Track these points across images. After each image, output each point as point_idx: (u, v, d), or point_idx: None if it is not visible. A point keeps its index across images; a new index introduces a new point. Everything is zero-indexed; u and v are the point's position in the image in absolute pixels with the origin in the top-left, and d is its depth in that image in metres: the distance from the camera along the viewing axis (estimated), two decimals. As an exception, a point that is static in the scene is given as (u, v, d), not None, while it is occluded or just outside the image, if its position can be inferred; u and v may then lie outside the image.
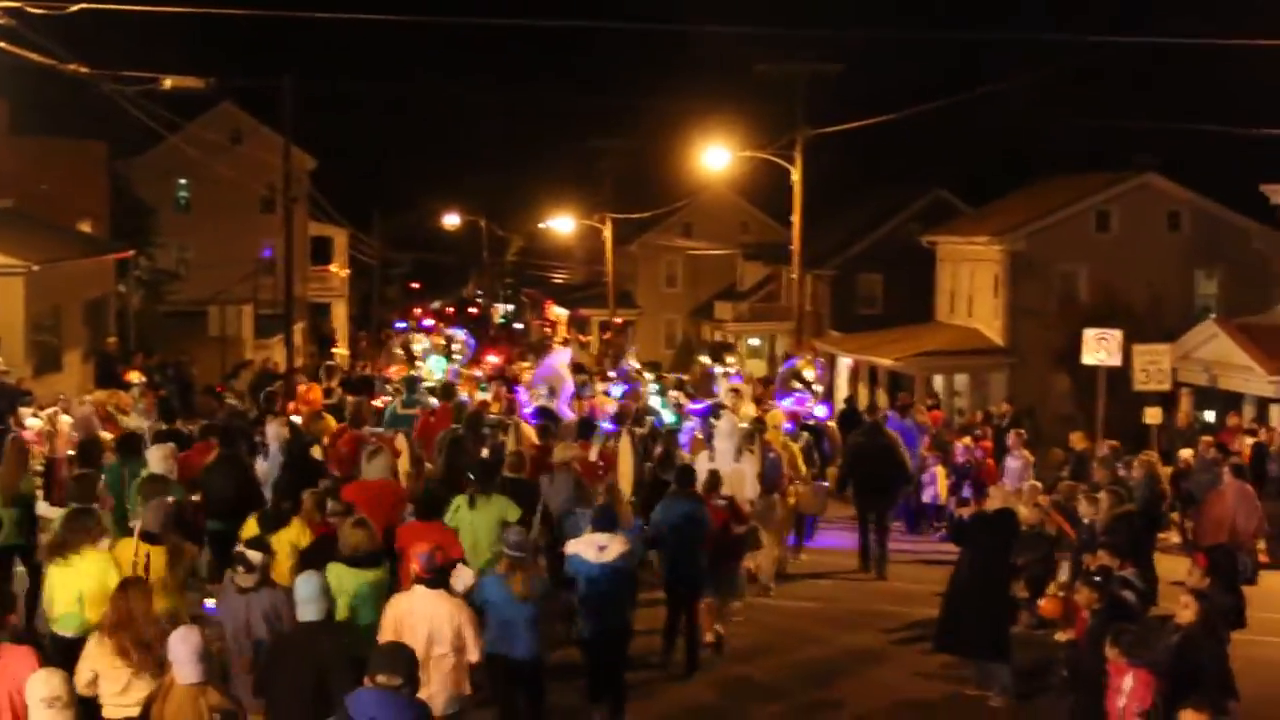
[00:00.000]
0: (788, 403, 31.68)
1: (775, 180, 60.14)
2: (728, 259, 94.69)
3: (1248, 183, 51.15)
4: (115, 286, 51.78)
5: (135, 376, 35.48)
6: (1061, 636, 18.59)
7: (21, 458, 20.38)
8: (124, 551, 15.31)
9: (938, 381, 60.55)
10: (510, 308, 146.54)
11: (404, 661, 10.38)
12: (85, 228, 52.49)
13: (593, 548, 17.03)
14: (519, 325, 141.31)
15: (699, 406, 30.81)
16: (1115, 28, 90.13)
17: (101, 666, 11.95)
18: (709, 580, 20.57)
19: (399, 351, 38.51)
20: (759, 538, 23.58)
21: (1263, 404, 40.42)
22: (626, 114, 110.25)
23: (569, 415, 29.58)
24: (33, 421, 27.20)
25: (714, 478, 22.09)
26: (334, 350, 73.78)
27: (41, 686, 10.66)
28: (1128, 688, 13.61)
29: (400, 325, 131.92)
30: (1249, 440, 33.83)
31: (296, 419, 27.70)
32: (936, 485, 34.29)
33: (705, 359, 35.97)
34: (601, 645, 17.17)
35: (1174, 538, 33.26)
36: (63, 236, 46.98)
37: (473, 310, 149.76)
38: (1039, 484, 27.99)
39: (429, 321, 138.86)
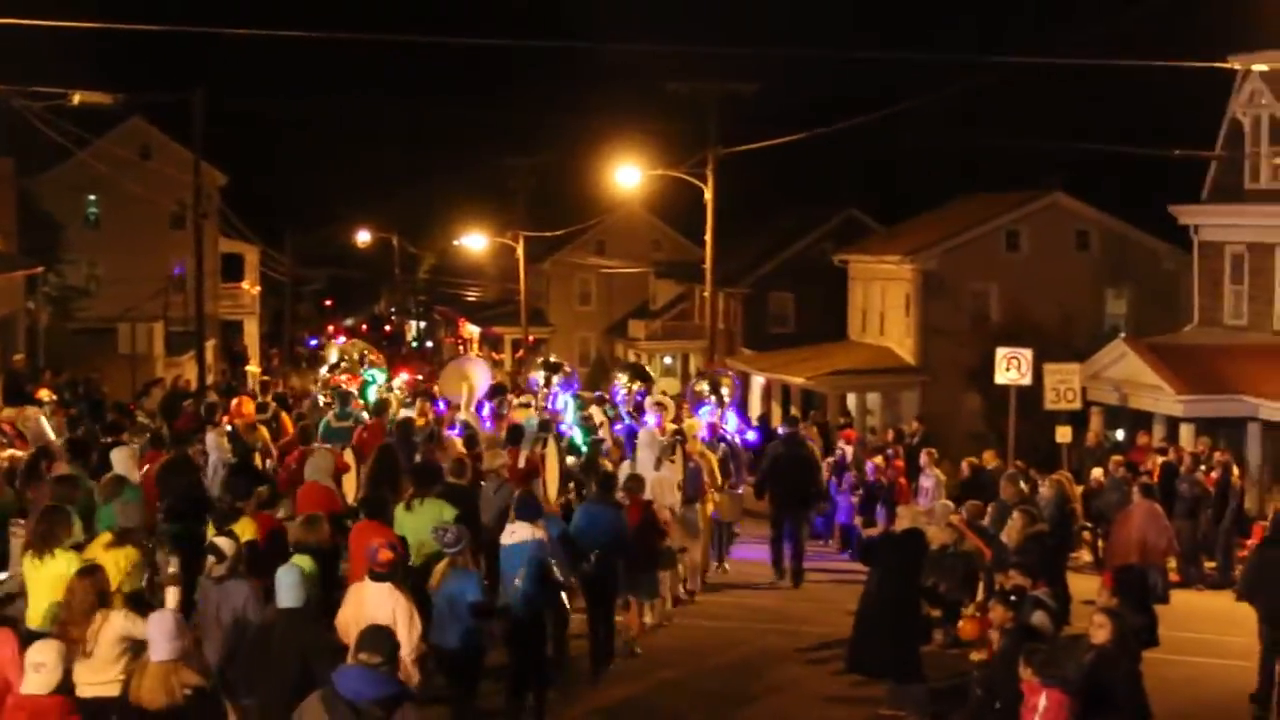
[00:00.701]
0: (700, 412, 31.63)
1: (688, 199, 60.20)
2: (641, 277, 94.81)
3: (1158, 204, 51.57)
4: (24, 303, 51.31)
5: (45, 394, 35.10)
6: (976, 656, 18.62)
7: None
8: (95, 549, 15.71)
9: (850, 400, 60.71)
10: (423, 325, 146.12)
11: (384, 642, 10.95)
12: (-8, 244, 52.01)
13: (506, 534, 17.91)
14: (429, 343, 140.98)
15: (620, 427, 30.71)
16: (1026, 48, 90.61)
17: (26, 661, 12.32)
18: (626, 582, 21.20)
19: (345, 361, 38.56)
20: (675, 559, 24.02)
21: (1172, 423, 40.66)
22: (539, 131, 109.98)
23: (489, 426, 29.66)
24: None
25: (633, 479, 22.67)
26: (246, 368, 73.37)
27: (33, 653, 11.67)
28: (1042, 707, 13.62)
29: (312, 342, 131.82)
30: (1159, 459, 34.03)
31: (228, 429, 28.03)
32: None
33: (622, 376, 35.84)
34: (517, 633, 17.43)
35: (1085, 556, 33.45)
36: (-31, 252, 46.49)
37: (387, 328, 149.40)
38: (950, 503, 28.05)
39: (342, 339, 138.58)
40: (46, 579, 15.12)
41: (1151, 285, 60.33)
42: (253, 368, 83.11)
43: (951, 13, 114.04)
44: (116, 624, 13.33)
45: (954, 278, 60.63)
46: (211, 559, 14.75)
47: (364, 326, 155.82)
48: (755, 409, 63.60)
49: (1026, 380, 37.87)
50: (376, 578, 14.80)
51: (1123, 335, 50.29)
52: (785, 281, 74.09)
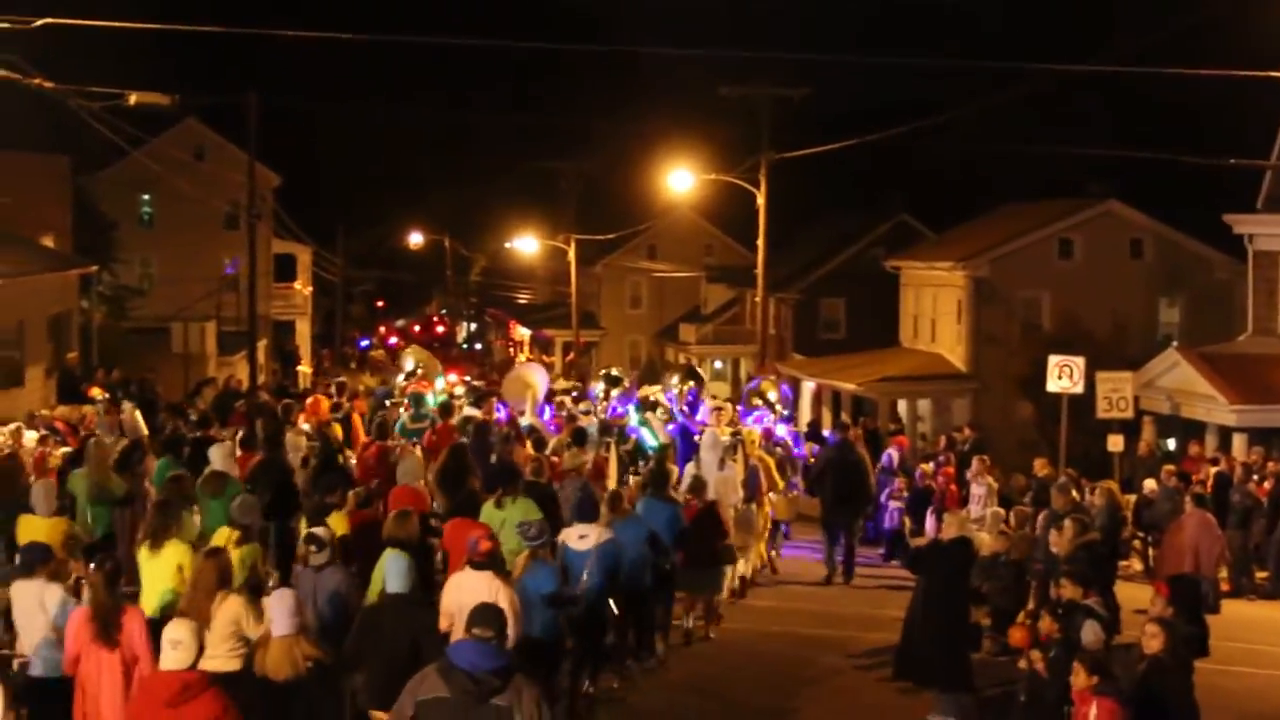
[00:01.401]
0: (749, 420, 31.94)
1: (740, 203, 60.22)
2: (692, 281, 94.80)
3: (1212, 213, 51.36)
4: (78, 302, 51.49)
5: (97, 393, 35.34)
6: (1024, 664, 18.59)
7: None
8: (219, 540, 16.88)
9: (901, 406, 60.59)
10: (474, 327, 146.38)
11: (495, 618, 11.52)
12: (48, 242, 52.13)
13: (574, 538, 18.70)
14: (479, 345, 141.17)
15: (673, 426, 31.12)
16: (1079, 54, 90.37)
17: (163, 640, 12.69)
18: (686, 580, 22.30)
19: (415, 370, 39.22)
20: (735, 554, 24.61)
21: (1225, 433, 40.50)
22: (592, 135, 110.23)
23: (553, 428, 30.66)
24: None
25: (697, 481, 23.76)
26: (298, 368, 73.59)
27: (170, 631, 12.16)
28: (1093, 717, 13.59)
29: (363, 343, 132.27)
30: (1211, 469, 33.88)
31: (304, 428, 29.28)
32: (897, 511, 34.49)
33: (674, 378, 36.48)
34: (582, 623, 18.10)
35: (1136, 565, 33.32)
36: (25, 250, 46.58)
37: (440, 329, 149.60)
38: (1002, 511, 28.01)
39: (394, 340, 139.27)
40: (159, 569, 16.25)
41: (1205, 294, 60.10)
42: (304, 368, 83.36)
43: (1004, 17, 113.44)
44: (234, 607, 14.40)
45: (1006, 285, 60.49)
46: (312, 548, 15.75)
47: (416, 328, 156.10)
48: (806, 414, 63.51)
49: (1078, 388, 37.70)
50: (477, 566, 15.56)
51: (1175, 344, 50.09)
52: (837, 287, 74.01)
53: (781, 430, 32.93)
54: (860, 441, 33.31)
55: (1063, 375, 37.41)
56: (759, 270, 53.56)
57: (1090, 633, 16.93)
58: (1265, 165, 47.35)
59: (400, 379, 38.68)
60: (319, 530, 16.27)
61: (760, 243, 52.69)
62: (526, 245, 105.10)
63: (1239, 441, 39.16)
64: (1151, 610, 17.42)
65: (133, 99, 36.38)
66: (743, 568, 26.49)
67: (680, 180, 60.36)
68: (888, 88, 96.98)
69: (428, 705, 11.14)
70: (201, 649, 12.89)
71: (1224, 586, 29.89)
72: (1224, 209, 49.78)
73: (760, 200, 51.35)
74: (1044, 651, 17.21)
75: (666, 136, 76.55)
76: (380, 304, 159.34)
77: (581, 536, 18.68)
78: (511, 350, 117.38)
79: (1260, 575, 32.02)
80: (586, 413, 32.16)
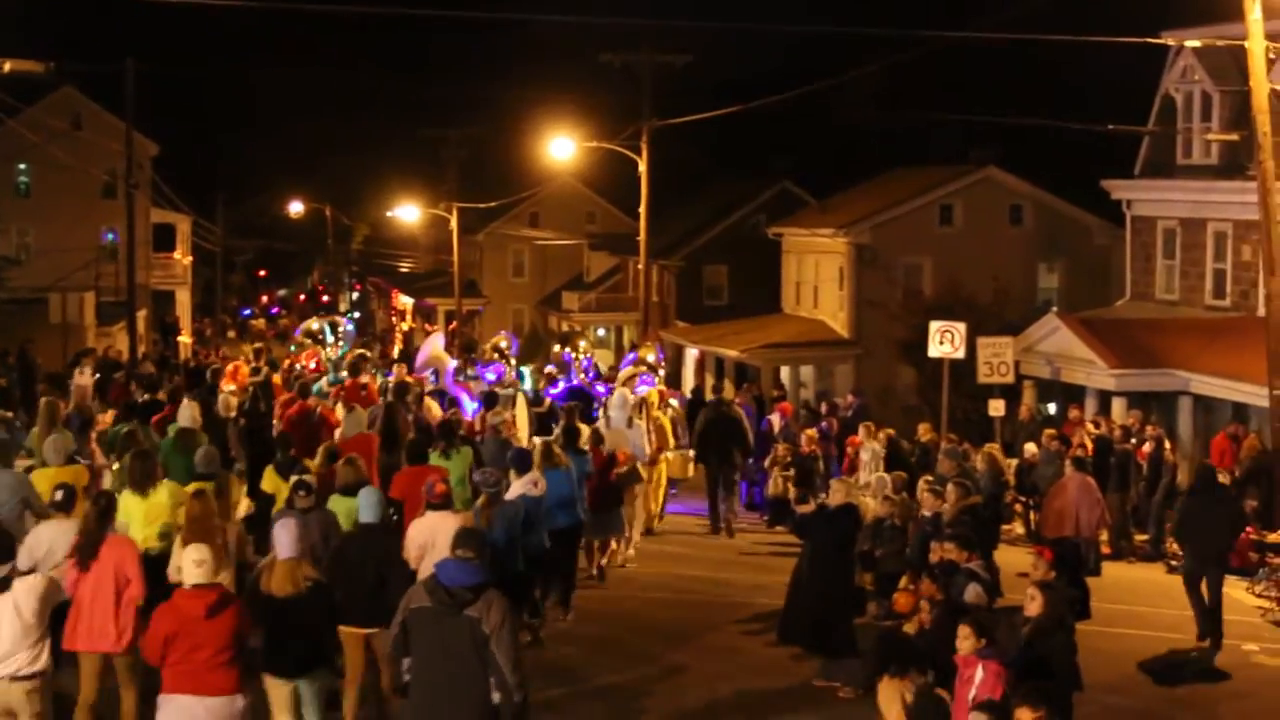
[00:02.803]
0: (639, 387, 33.39)
1: (622, 171, 60.11)
2: (574, 249, 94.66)
3: (1091, 180, 51.81)
4: (-48, 272, 50.85)
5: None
6: (910, 628, 18.66)
7: None
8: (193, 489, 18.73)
9: (784, 373, 60.78)
10: (355, 296, 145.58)
11: (476, 540, 13.22)
12: (-79, 213, 51.49)
13: (528, 485, 20.33)
14: (356, 314, 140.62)
15: (558, 390, 34.45)
16: (960, 22, 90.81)
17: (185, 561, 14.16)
18: (596, 526, 24.54)
19: (305, 340, 40.79)
20: (639, 472, 27.39)
21: (1104, 397, 40.83)
22: (473, 103, 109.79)
23: (458, 392, 33.53)
24: None
25: (596, 434, 26.23)
26: (178, 339, 72.99)
27: (192, 552, 13.79)
28: (978, 679, 13.67)
29: (245, 312, 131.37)
30: (1092, 432, 34.18)
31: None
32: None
33: (584, 345, 39.89)
34: (552, 553, 20.80)
35: (1018, 529, 33.62)
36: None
37: (325, 299, 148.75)
38: (888, 476, 28.18)
39: (275, 309, 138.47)
40: (151, 510, 18.14)
41: (1084, 260, 60.62)
42: (185, 338, 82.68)
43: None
44: (237, 532, 18.39)
45: (887, 251, 60.76)
46: (300, 493, 17.74)
47: (301, 297, 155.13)
48: (689, 382, 63.62)
49: (960, 354, 38.01)
50: (435, 507, 17.66)
51: (1055, 309, 50.48)
52: (719, 254, 74.04)
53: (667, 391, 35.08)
54: (747, 402, 35.30)
55: (944, 340, 37.71)
56: (641, 238, 53.51)
57: (972, 594, 17.06)
58: (1142, 130, 47.78)
59: (326, 351, 40.33)
60: (307, 477, 18.60)
61: (642, 210, 52.65)
62: (408, 214, 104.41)
63: (1118, 405, 39.50)
64: (1033, 574, 17.56)
65: (6, 67, 36.03)
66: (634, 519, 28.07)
67: (562, 148, 60.17)
68: (770, 55, 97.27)
69: (414, 614, 12.85)
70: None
71: (1104, 549, 30.18)
72: (1104, 176, 50.23)
73: (642, 168, 51.31)
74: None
75: (549, 104, 76.44)
76: (262, 273, 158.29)
77: (534, 484, 20.42)
78: (394, 319, 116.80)
79: (1139, 538, 32.40)
80: (499, 381, 34.72)
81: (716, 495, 32.21)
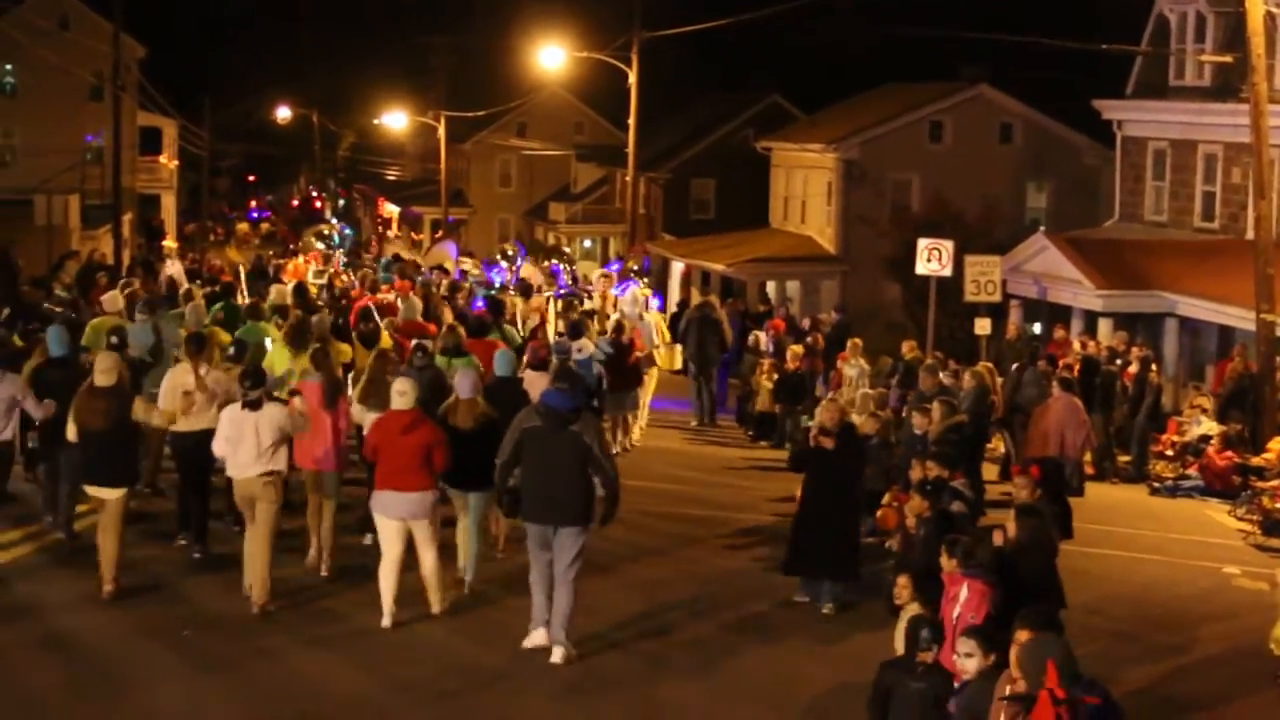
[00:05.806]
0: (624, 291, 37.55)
1: (612, 82, 59.98)
2: (562, 160, 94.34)
3: (1082, 99, 51.61)
4: (-65, 172, 50.56)
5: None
6: (893, 544, 18.65)
7: None
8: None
9: (770, 287, 60.68)
10: (342, 203, 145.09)
11: (572, 377, 17.35)
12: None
13: (575, 350, 26.70)
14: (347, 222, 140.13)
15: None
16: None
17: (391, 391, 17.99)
18: (612, 404, 28.50)
19: (318, 243, 44.47)
20: (653, 357, 31.95)
21: (1091, 317, 40.79)
22: (462, 10, 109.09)
23: (491, 276, 41.85)
24: None
25: (619, 324, 30.44)
26: (162, 242, 72.75)
27: (399, 385, 17.78)
28: (963, 597, 13.63)
29: (229, 216, 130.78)
30: (1078, 352, 34.13)
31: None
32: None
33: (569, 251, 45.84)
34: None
35: (1002, 449, 33.59)
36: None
37: (317, 204, 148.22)
38: (874, 393, 28.18)
39: (265, 213, 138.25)
40: (299, 362, 21.50)
41: (1073, 180, 60.54)
42: (170, 242, 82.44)
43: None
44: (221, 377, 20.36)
45: (876, 167, 60.62)
46: (419, 354, 21.50)
47: (295, 203, 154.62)
48: (675, 294, 63.54)
49: (947, 272, 37.92)
50: (535, 367, 23.65)
51: (1043, 229, 50.39)
52: (707, 168, 73.75)
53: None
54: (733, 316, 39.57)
55: (931, 258, 37.62)
56: (629, 149, 53.46)
57: (955, 509, 17.05)
58: (1135, 50, 47.59)
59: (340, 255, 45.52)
60: (425, 341, 22.91)
61: (631, 122, 52.56)
62: (396, 121, 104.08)
63: (1104, 326, 39.46)
64: (1017, 494, 17.53)
65: (-7, -35, 35.67)
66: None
67: (552, 57, 60.01)
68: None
69: (528, 432, 16.37)
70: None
71: (1088, 470, 30.16)
72: (1095, 96, 50.05)
73: (632, 79, 51.17)
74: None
75: (539, 12, 76.09)
76: (252, 178, 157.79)
77: (579, 350, 26.73)
78: (380, 227, 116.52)
79: (1122, 459, 32.41)
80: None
81: (700, 388, 35.79)
